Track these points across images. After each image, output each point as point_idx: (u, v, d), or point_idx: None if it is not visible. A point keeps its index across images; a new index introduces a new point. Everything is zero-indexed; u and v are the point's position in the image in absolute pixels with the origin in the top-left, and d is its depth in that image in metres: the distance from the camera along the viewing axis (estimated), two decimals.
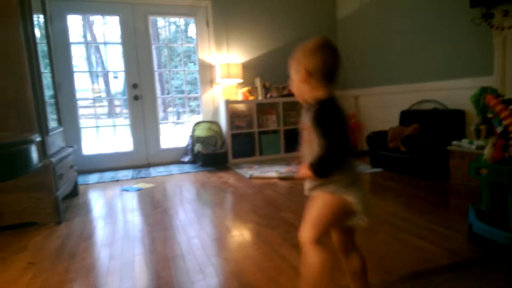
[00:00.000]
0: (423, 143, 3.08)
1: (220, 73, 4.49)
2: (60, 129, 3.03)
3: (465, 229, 1.89)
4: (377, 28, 4.36)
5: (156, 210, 2.64)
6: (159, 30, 9.41)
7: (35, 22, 2.54)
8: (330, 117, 1.05)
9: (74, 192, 3.16)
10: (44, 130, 2.47)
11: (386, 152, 3.54)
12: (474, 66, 3.17)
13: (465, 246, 1.76)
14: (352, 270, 1.20)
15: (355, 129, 4.68)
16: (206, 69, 4.66)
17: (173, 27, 9.90)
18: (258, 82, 4.58)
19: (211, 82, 4.69)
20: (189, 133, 4.54)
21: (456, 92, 3.33)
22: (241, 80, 4.59)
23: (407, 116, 3.72)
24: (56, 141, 2.82)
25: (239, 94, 4.67)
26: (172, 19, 9.60)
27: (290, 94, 4.63)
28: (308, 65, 1.07)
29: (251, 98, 4.55)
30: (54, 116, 3.04)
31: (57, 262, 1.81)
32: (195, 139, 4.38)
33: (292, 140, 4.73)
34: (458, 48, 3.34)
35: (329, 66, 1.07)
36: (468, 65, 3.24)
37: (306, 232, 1.09)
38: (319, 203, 1.10)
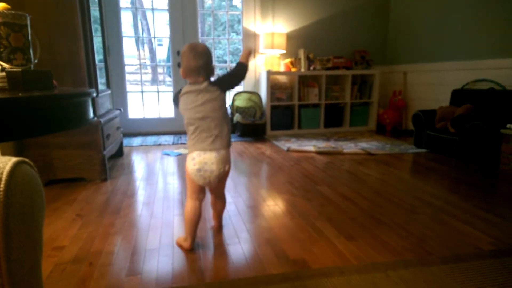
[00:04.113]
0: (475, 125, 2.89)
1: (263, 43, 4.42)
2: (108, 92, 3.16)
3: None
4: None
5: None
6: None
7: None
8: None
9: (119, 153, 3.33)
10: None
11: (433, 132, 3.37)
12: None
13: None
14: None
15: (400, 107, 4.48)
16: (250, 38, 4.60)
17: None
18: (301, 53, 4.46)
19: (254, 52, 4.63)
20: (229, 102, 4.56)
21: None
22: (284, 51, 4.49)
23: (459, 96, 3.48)
24: (104, 103, 2.94)
25: (281, 65, 4.59)
26: None
27: (334, 67, 4.48)
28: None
29: (293, 69, 4.45)
30: (103, 80, 3.16)
31: (102, 216, 1.94)
32: (234, 109, 4.40)
33: (333, 115, 4.63)
34: None
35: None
36: None
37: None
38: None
